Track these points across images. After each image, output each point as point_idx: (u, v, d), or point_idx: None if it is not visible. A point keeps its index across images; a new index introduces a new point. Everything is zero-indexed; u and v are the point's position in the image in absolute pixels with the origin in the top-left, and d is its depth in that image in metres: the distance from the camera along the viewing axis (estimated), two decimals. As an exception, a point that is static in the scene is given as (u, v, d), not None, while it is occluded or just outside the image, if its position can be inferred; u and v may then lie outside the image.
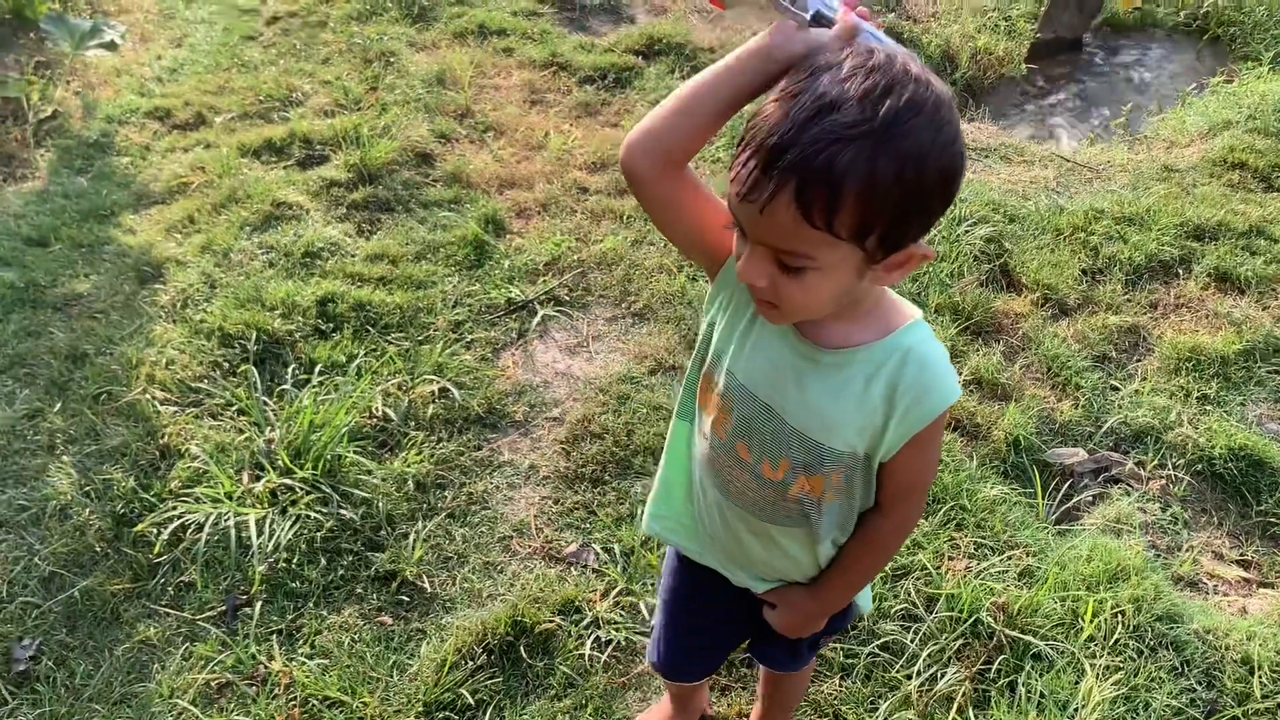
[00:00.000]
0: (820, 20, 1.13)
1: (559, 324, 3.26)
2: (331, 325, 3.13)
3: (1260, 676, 2.21)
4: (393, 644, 2.27)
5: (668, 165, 1.19)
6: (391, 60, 4.91)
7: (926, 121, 1.00)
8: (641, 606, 2.33)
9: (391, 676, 2.19)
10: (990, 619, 2.27)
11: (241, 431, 2.72)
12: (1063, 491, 2.75)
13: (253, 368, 2.91)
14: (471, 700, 2.13)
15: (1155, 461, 2.85)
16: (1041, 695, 2.14)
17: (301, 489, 2.53)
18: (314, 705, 2.13)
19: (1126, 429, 2.96)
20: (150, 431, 2.73)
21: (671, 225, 1.27)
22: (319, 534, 2.47)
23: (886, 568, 2.40)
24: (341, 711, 2.12)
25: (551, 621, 2.29)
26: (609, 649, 2.25)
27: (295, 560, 2.42)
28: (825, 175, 0.97)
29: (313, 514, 2.49)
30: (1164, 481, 2.81)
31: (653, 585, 2.37)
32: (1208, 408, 3.04)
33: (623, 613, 2.33)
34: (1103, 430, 2.95)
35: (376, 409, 2.81)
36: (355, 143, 4.09)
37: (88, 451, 2.70)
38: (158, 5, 5.73)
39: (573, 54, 5.05)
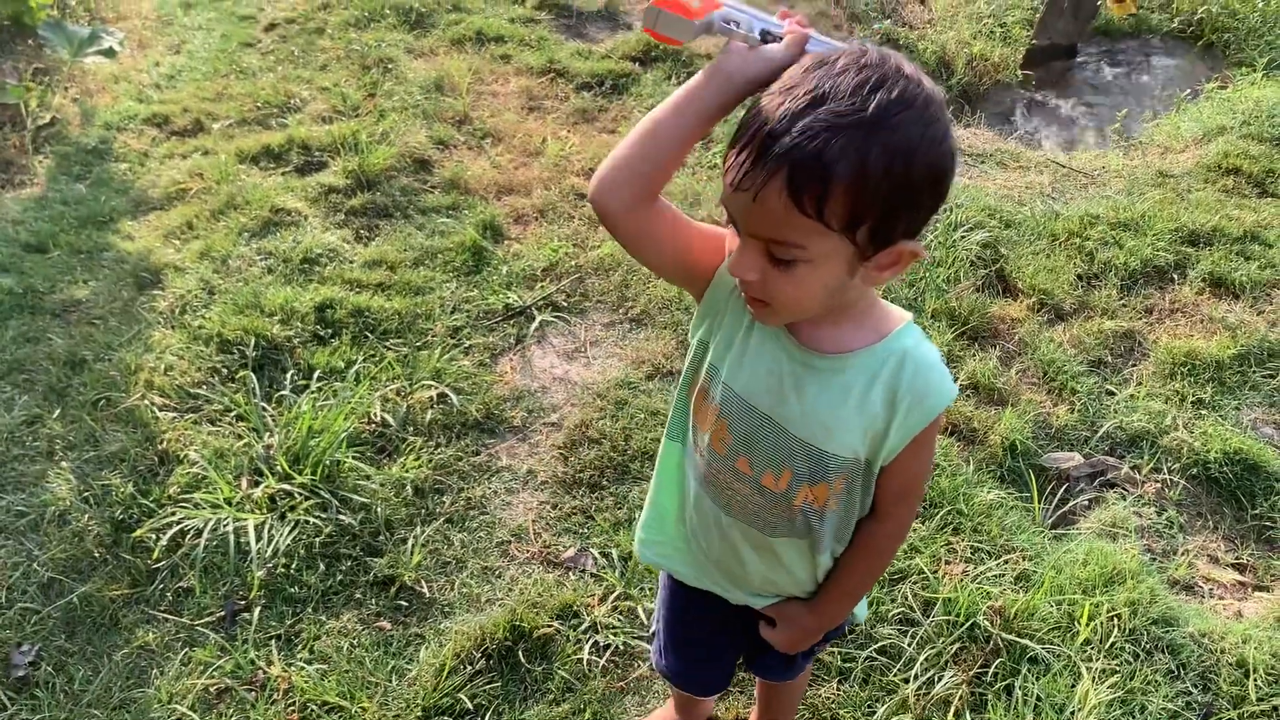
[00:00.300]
0: (768, 37, 1.15)
1: (557, 329, 3.27)
2: (330, 331, 3.14)
3: (1255, 679, 2.22)
4: (391, 649, 2.28)
5: (640, 199, 1.17)
6: (389, 67, 4.93)
7: (916, 116, 1.02)
8: (640, 611, 2.34)
9: (390, 681, 2.20)
10: (987, 623, 2.28)
11: (240, 437, 2.73)
12: (1059, 496, 2.76)
13: (251, 373, 2.92)
14: (470, 705, 2.13)
15: (1151, 466, 2.86)
16: (1038, 699, 2.15)
17: (300, 494, 2.54)
18: (313, 710, 2.13)
19: (1122, 433, 2.98)
20: (149, 437, 2.74)
21: (651, 256, 1.27)
22: (318, 539, 2.47)
23: (884, 574, 2.41)
24: (340, 716, 2.13)
25: (550, 626, 2.29)
26: (607, 654, 2.26)
27: (294, 565, 2.42)
28: (816, 163, 0.99)
29: (311, 519, 2.50)
30: (1159, 485, 2.82)
31: (651, 590, 2.37)
32: (1203, 412, 3.05)
33: (621, 617, 2.33)
34: (1098, 435, 2.96)
35: (375, 414, 2.82)
36: (353, 149, 4.10)
37: (87, 457, 2.71)
38: (156, 12, 5.75)
39: (570, 61, 5.07)
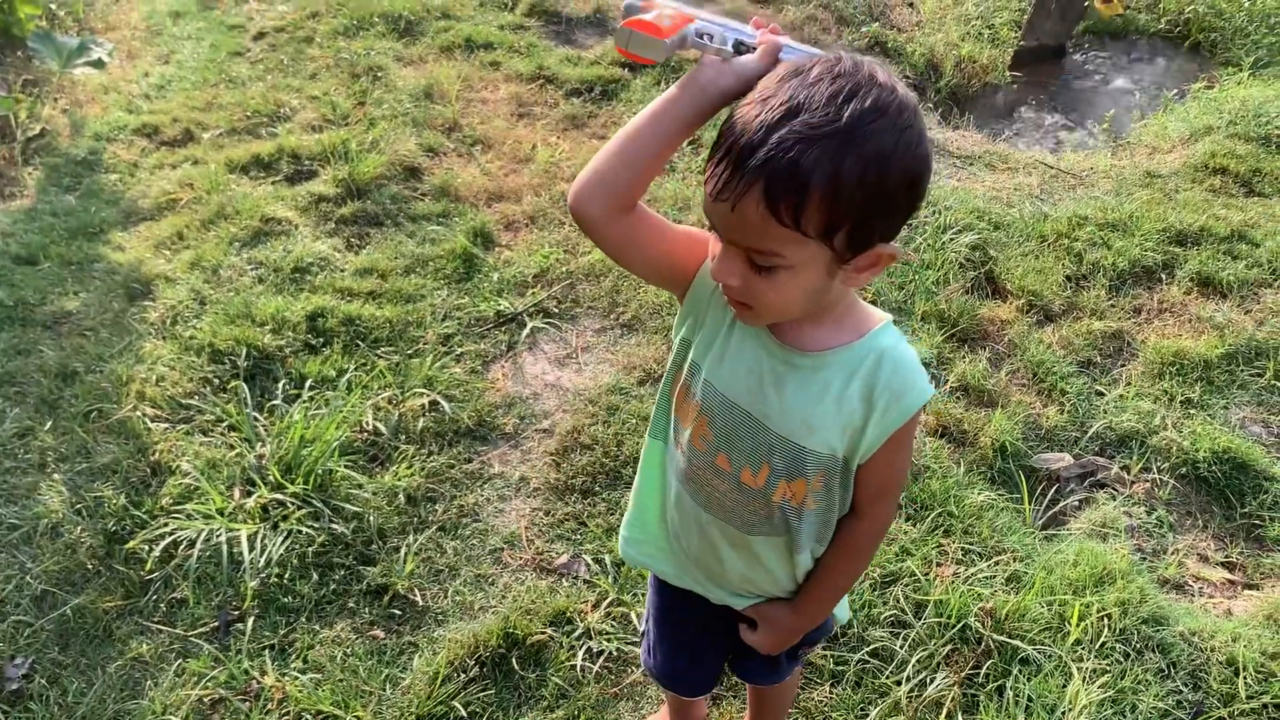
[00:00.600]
0: (742, 49, 1.17)
1: (548, 336, 3.28)
2: (321, 340, 3.15)
3: (1245, 677, 2.23)
4: (385, 657, 2.28)
5: (619, 208, 1.20)
6: (379, 75, 4.93)
7: (890, 124, 1.04)
8: (633, 616, 2.35)
9: (384, 690, 2.20)
10: (978, 624, 2.29)
11: (232, 447, 2.73)
12: (1049, 496, 2.78)
13: (243, 383, 2.92)
14: (464, 712, 2.14)
15: (1140, 465, 2.87)
16: (1029, 699, 2.16)
17: (293, 504, 2.54)
18: (307, 720, 2.14)
19: (1111, 433, 2.99)
20: (141, 448, 2.74)
21: (633, 261, 1.30)
22: (310, 549, 2.48)
23: (875, 574, 2.42)
24: (335, 725, 2.13)
25: (543, 633, 2.30)
26: (600, 660, 2.27)
27: (287, 575, 2.42)
28: (791, 174, 1.01)
29: (304, 529, 2.50)
30: (1149, 485, 2.83)
31: (643, 595, 2.38)
32: (1191, 411, 3.07)
33: (614, 623, 2.34)
34: (1088, 435, 2.98)
35: (367, 423, 2.83)
36: (343, 157, 4.11)
37: (79, 469, 2.71)
38: (145, 22, 5.75)
39: (559, 67, 5.08)
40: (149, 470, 2.69)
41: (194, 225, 3.76)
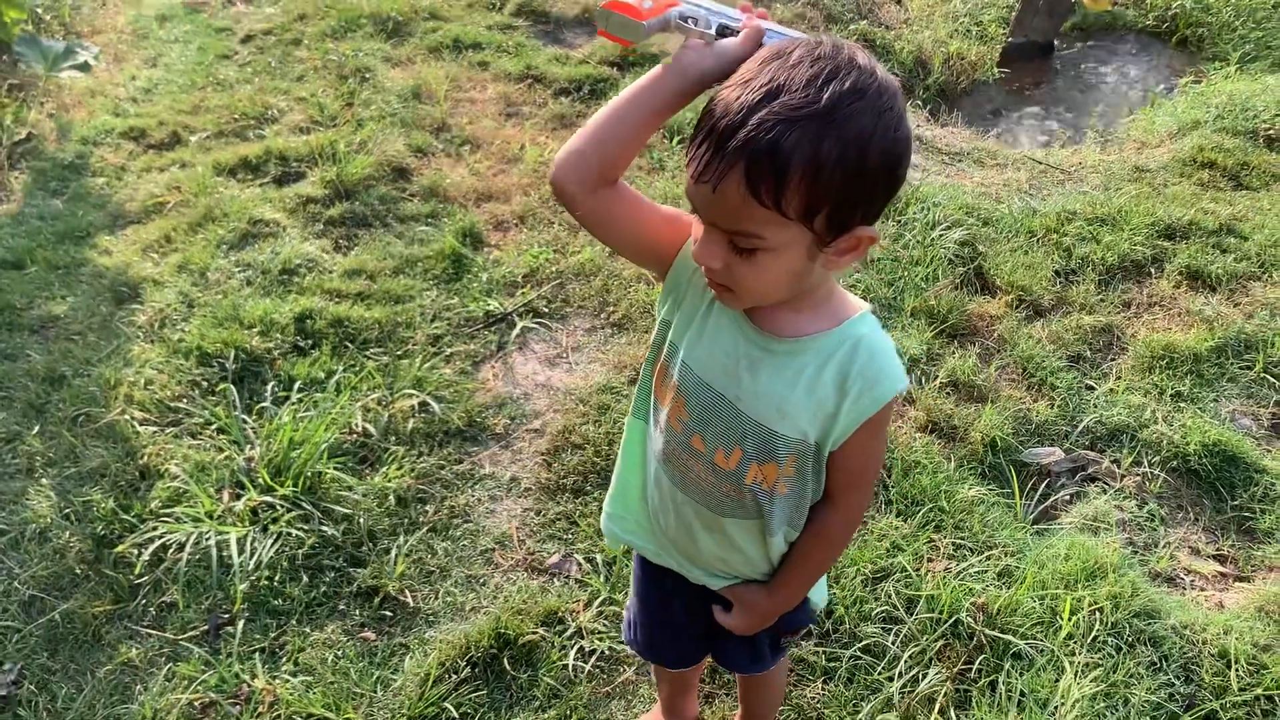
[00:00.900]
0: (725, 32, 1.19)
1: (538, 336, 3.27)
2: (310, 342, 3.14)
3: (1237, 670, 2.23)
4: (376, 659, 2.27)
5: (598, 183, 1.21)
6: (367, 76, 4.92)
7: (869, 106, 1.05)
8: (624, 614, 2.34)
9: (375, 692, 2.19)
10: (970, 619, 2.29)
11: (221, 450, 2.72)
12: (1040, 491, 2.78)
13: (231, 386, 2.91)
14: (456, 714, 2.13)
15: (1131, 459, 2.88)
16: (1022, 694, 2.16)
17: (282, 506, 2.53)
18: (298, 723, 2.13)
19: (1102, 428, 2.99)
20: (129, 452, 2.73)
21: (612, 238, 1.32)
22: (300, 551, 2.47)
23: (866, 570, 2.42)
24: (326, 728, 2.12)
25: (535, 633, 2.29)
26: (592, 659, 2.26)
27: (277, 578, 2.41)
28: (772, 155, 1.02)
29: (294, 531, 2.49)
30: (1140, 479, 2.84)
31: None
32: (1181, 405, 3.07)
33: (606, 622, 2.34)
34: (1079, 429, 2.98)
35: (356, 424, 2.82)
36: (331, 159, 4.10)
37: (67, 474, 2.69)
38: (131, 26, 5.73)
39: (548, 66, 5.07)
40: (137, 474, 2.68)
41: (181, 228, 3.75)
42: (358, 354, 3.10)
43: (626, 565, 2.43)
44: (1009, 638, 2.26)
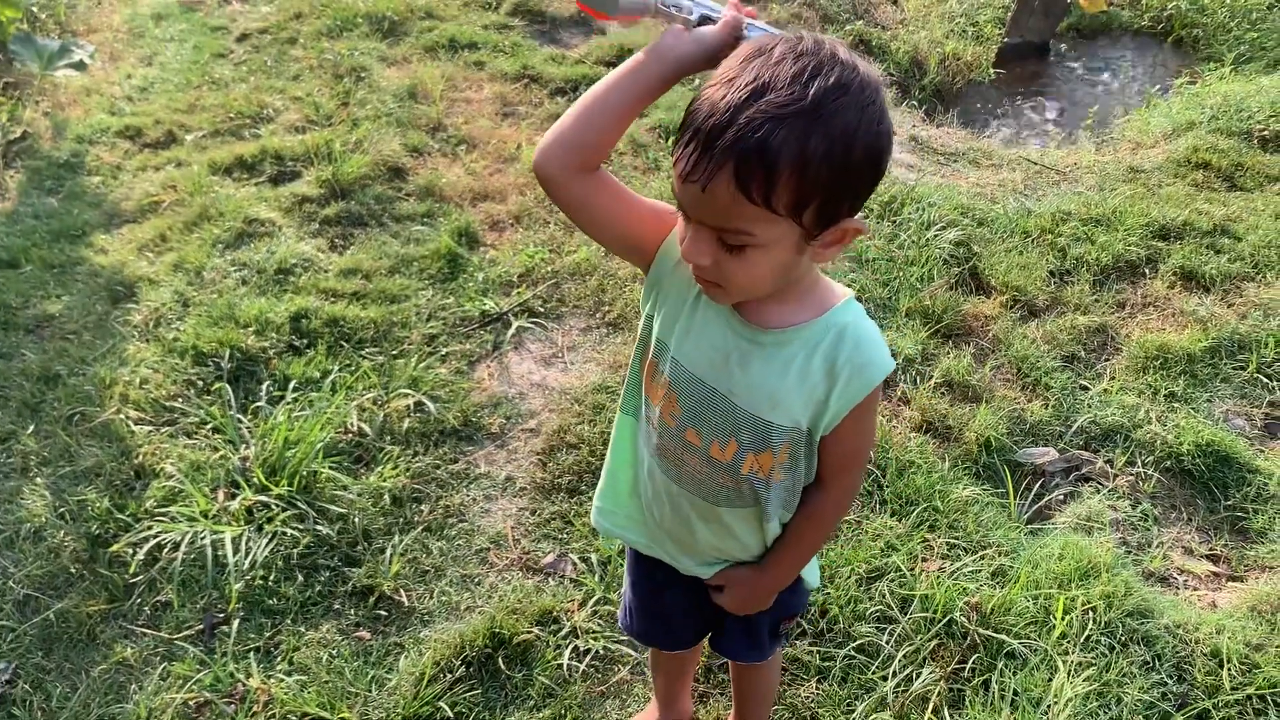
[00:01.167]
0: (706, 21, 1.22)
1: (533, 335, 3.27)
2: (305, 341, 3.14)
3: (1230, 669, 2.24)
4: (371, 659, 2.27)
5: (580, 168, 1.23)
6: (362, 75, 4.92)
7: (853, 102, 1.06)
8: (620, 614, 2.34)
9: (370, 691, 2.20)
10: (964, 619, 2.30)
11: (216, 449, 2.72)
12: (1034, 491, 2.78)
13: (227, 385, 2.91)
14: (451, 713, 2.13)
15: (1125, 459, 2.88)
16: (1015, 693, 2.16)
17: (277, 506, 2.53)
18: (293, 722, 2.13)
19: (1096, 428, 3.00)
20: (124, 451, 2.73)
21: (592, 226, 1.32)
22: (295, 550, 2.47)
23: (860, 570, 2.42)
24: (320, 727, 2.12)
25: (530, 632, 2.30)
26: (587, 658, 2.26)
27: (272, 577, 2.41)
28: (761, 153, 1.03)
29: (289, 531, 2.49)
30: (1133, 479, 2.84)
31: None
32: (1175, 405, 3.08)
33: (600, 622, 2.34)
34: (1073, 429, 2.99)
35: (351, 424, 2.82)
36: (327, 158, 4.10)
37: (62, 473, 2.69)
38: (127, 24, 5.72)
39: (544, 66, 5.07)
40: (132, 473, 2.68)
41: (177, 227, 3.74)
42: (353, 353, 3.10)
43: (621, 564, 2.43)
44: (1003, 637, 2.26)
